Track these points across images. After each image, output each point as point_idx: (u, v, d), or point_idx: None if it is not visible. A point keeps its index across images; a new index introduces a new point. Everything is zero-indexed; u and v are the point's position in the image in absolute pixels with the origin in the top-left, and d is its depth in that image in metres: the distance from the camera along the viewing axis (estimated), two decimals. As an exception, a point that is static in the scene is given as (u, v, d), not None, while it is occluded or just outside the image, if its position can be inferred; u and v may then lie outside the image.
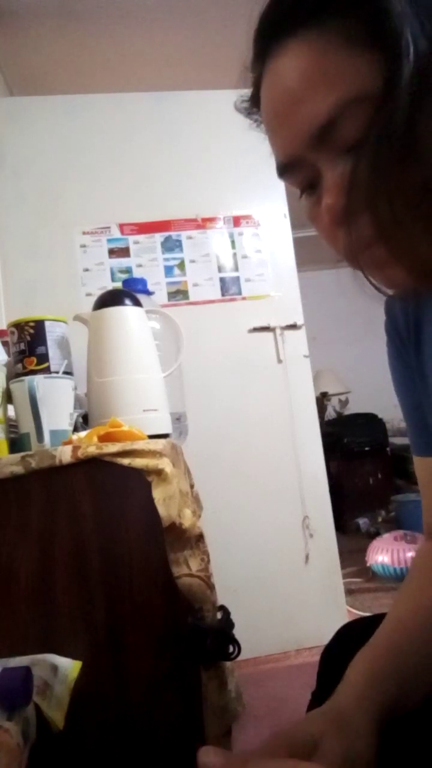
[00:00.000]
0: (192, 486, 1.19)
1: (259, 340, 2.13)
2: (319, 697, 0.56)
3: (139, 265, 2.12)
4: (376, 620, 0.59)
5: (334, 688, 0.51)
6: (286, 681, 1.79)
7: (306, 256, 2.98)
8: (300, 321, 2.15)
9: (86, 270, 2.09)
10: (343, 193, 0.43)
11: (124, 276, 2.06)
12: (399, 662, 0.51)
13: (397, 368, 0.66)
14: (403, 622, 0.56)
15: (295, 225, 2.27)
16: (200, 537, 0.94)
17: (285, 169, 0.49)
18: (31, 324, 1.15)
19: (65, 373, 1.12)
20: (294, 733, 0.45)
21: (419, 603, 0.58)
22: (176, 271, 2.14)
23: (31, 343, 1.14)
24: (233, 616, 0.93)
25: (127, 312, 1.17)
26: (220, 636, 0.85)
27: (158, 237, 2.14)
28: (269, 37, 0.45)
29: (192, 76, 2.54)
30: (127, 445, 0.85)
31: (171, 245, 2.14)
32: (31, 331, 1.15)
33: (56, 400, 1.01)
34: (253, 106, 0.53)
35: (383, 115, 0.39)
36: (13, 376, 1.09)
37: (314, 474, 2.11)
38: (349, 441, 3.96)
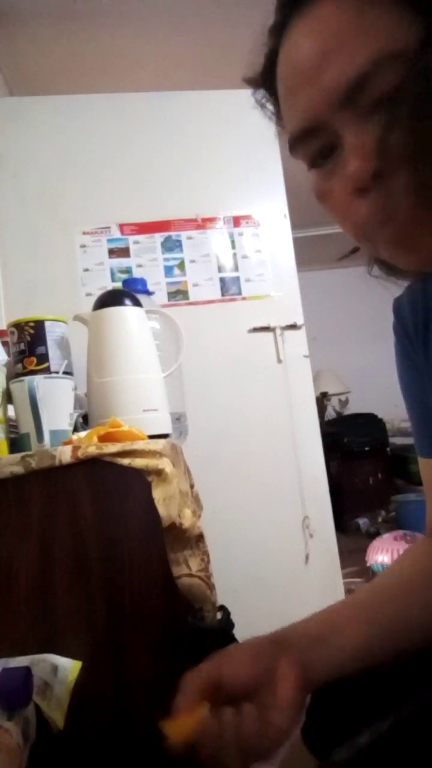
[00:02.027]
0: (192, 486, 1.19)
1: (259, 340, 2.13)
2: (320, 699, 0.56)
3: (139, 265, 2.12)
4: None
5: (335, 690, 0.51)
6: (286, 681, 1.79)
7: (306, 256, 2.98)
8: (300, 321, 2.15)
9: (86, 270, 2.09)
10: (373, 156, 0.39)
11: (124, 276, 2.06)
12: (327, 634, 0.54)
13: (404, 369, 0.66)
14: (349, 605, 0.59)
15: (295, 225, 2.27)
16: (200, 537, 0.94)
17: (302, 136, 0.45)
18: (31, 324, 1.15)
19: (65, 373, 1.12)
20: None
21: (398, 574, 0.61)
22: (176, 271, 2.14)
23: (31, 343, 1.14)
24: (233, 616, 0.93)
25: (127, 312, 1.17)
26: (220, 636, 0.85)
27: (158, 237, 2.14)
28: None
29: (192, 76, 2.53)
30: (127, 445, 0.85)
31: (171, 245, 2.14)
32: (31, 331, 1.15)
33: (56, 400, 1.01)
34: (264, 79, 0.49)
35: (421, 71, 0.36)
36: (13, 376, 1.09)
37: (314, 474, 2.11)
38: (349, 441, 3.96)
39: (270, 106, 0.50)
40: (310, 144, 0.45)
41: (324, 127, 0.43)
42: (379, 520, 3.45)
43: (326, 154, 0.44)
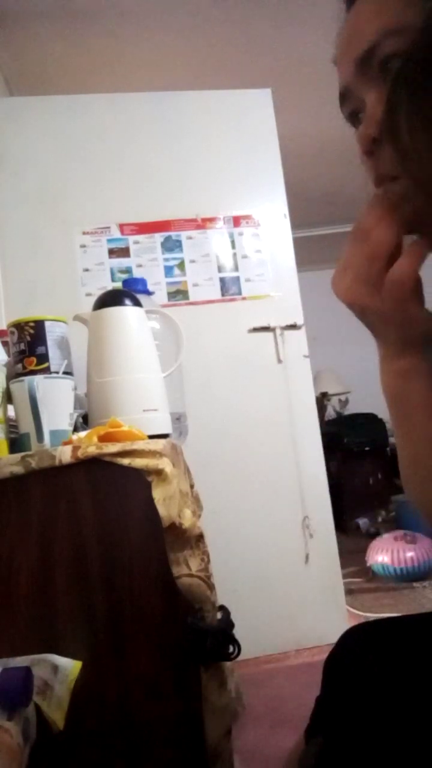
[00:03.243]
0: (192, 486, 1.19)
1: (259, 340, 2.13)
2: (324, 703, 0.56)
3: (139, 265, 2.12)
4: (380, 625, 0.58)
5: (340, 695, 0.50)
6: (286, 681, 1.79)
7: (306, 256, 2.98)
8: (300, 321, 2.15)
9: (86, 270, 2.09)
10: (372, 123, 0.47)
11: (124, 276, 2.06)
12: None
13: None
14: None
15: (295, 225, 2.27)
16: (200, 537, 0.94)
17: (340, 100, 0.54)
18: (31, 324, 1.15)
19: (65, 373, 1.12)
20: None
21: None
22: (176, 271, 2.14)
23: (31, 343, 1.14)
24: (233, 616, 0.93)
25: (127, 312, 1.17)
26: (220, 636, 0.85)
27: (158, 237, 2.14)
28: None
29: (192, 76, 2.54)
30: (127, 445, 0.85)
31: (171, 245, 2.14)
32: (31, 331, 1.15)
33: (56, 400, 1.01)
34: None
35: (413, 46, 0.43)
36: (13, 376, 1.09)
37: (314, 474, 2.11)
38: (349, 441, 3.96)
39: None
40: (345, 108, 0.54)
41: (352, 93, 0.52)
42: (379, 520, 3.44)
43: (358, 115, 0.53)
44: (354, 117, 0.53)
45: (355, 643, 0.60)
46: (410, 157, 0.42)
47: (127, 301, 1.18)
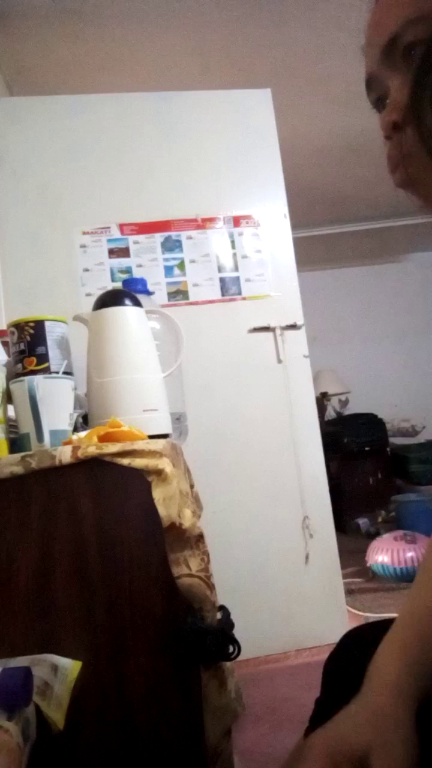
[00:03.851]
0: (192, 486, 1.19)
1: (259, 340, 2.13)
2: (324, 705, 0.56)
3: (139, 266, 2.12)
4: (380, 626, 0.58)
5: (340, 697, 0.50)
6: (286, 681, 1.79)
7: (306, 256, 2.98)
8: (300, 321, 2.15)
9: (86, 270, 2.09)
10: (394, 110, 0.49)
11: (124, 276, 2.06)
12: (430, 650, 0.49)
13: None
14: (430, 607, 0.53)
15: (295, 225, 2.27)
16: (200, 537, 0.94)
17: (367, 86, 0.56)
18: (31, 324, 1.15)
19: (65, 373, 1.12)
20: (335, 746, 0.43)
21: None
22: (176, 271, 2.14)
23: (31, 343, 1.14)
24: (233, 616, 0.93)
25: (127, 312, 1.17)
26: (220, 636, 0.85)
27: (158, 237, 2.14)
28: None
29: (192, 76, 2.54)
30: (127, 445, 0.85)
31: (171, 245, 2.14)
32: (31, 331, 1.15)
33: (56, 400, 1.01)
34: None
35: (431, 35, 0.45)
36: (13, 376, 1.09)
37: (314, 474, 2.11)
38: (349, 441, 3.96)
39: None
40: (371, 95, 0.56)
41: (377, 80, 0.53)
42: (379, 520, 3.44)
43: (382, 102, 0.54)
44: (380, 103, 0.55)
45: (356, 645, 0.60)
46: None
47: (127, 301, 1.18)
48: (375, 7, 0.54)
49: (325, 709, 0.54)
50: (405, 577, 2.50)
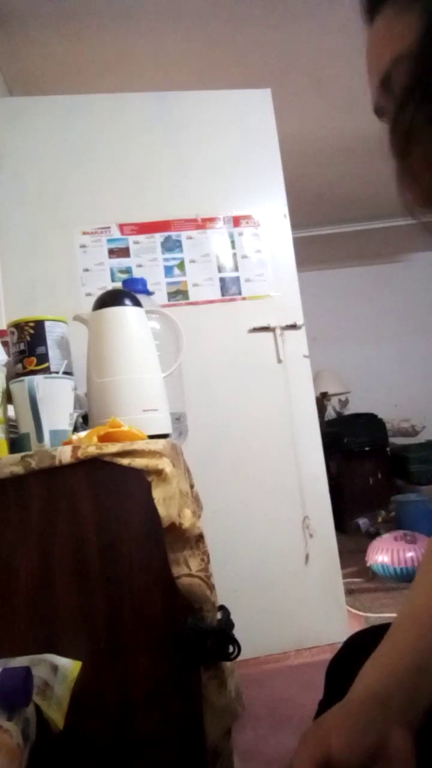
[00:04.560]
0: (192, 486, 1.18)
1: (259, 340, 2.13)
2: (326, 707, 0.56)
3: (139, 266, 2.12)
4: (384, 630, 0.58)
5: (341, 699, 0.50)
6: (286, 681, 1.79)
7: (306, 256, 2.98)
8: (300, 321, 2.15)
9: (86, 270, 2.09)
10: (402, 134, 0.50)
11: (124, 276, 2.06)
12: (421, 664, 0.49)
13: None
14: (419, 618, 0.54)
15: (295, 225, 2.27)
16: (200, 537, 0.94)
17: (377, 114, 0.56)
18: (31, 324, 1.15)
19: (65, 373, 1.12)
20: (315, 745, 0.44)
21: None
22: (176, 271, 2.14)
23: (31, 343, 1.14)
24: (233, 616, 0.93)
25: (127, 312, 1.17)
26: (220, 636, 0.85)
27: (158, 237, 2.14)
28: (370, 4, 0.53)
29: (192, 76, 2.54)
30: (127, 445, 0.85)
31: (171, 245, 2.14)
32: (31, 331, 1.15)
33: (56, 400, 1.01)
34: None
35: (414, 70, 0.45)
36: (13, 376, 1.09)
37: (314, 474, 2.11)
38: (349, 441, 3.96)
39: None
40: (382, 120, 0.55)
41: (384, 110, 0.53)
42: (379, 520, 3.44)
43: None
44: None
45: (359, 648, 0.60)
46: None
47: (127, 301, 1.18)
48: (369, 36, 0.54)
49: (326, 711, 0.54)
50: (405, 577, 2.50)
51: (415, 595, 0.56)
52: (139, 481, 0.84)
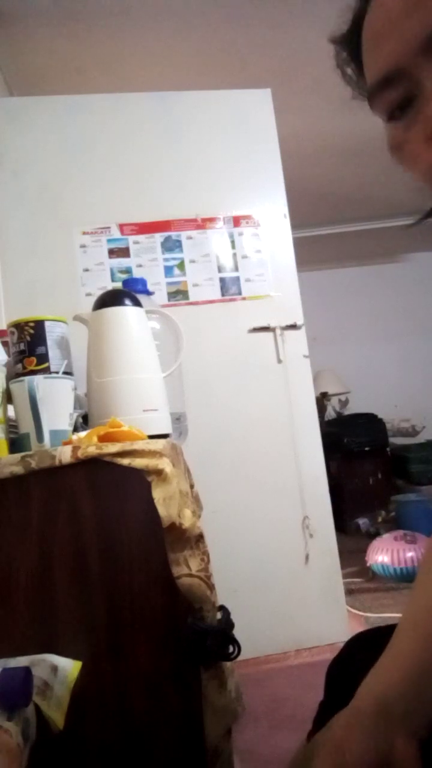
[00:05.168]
0: (192, 486, 1.18)
1: (259, 340, 2.13)
2: (327, 708, 0.56)
3: (139, 266, 2.12)
4: (387, 631, 0.58)
5: (342, 700, 0.50)
6: (286, 681, 1.79)
7: (306, 256, 2.98)
8: (300, 321, 2.15)
9: (86, 270, 2.09)
10: None
11: (124, 276, 2.06)
12: (423, 671, 0.49)
13: None
14: (420, 624, 0.53)
15: (295, 225, 2.27)
16: (200, 537, 0.94)
17: (384, 84, 0.45)
18: (31, 324, 1.15)
19: (65, 373, 1.12)
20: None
21: None
22: (176, 271, 2.14)
23: (31, 343, 1.14)
24: (233, 616, 0.93)
25: (127, 312, 1.17)
26: (220, 636, 0.85)
27: (158, 237, 2.14)
28: None
29: (192, 76, 2.54)
30: (127, 445, 0.85)
31: (171, 245, 2.14)
32: (31, 331, 1.15)
33: (56, 400, 1.01)
34: (348, 40, 0.51)
35: None
36: (13, 376, 1.09)
37: (314, 474, 2.11)
38: (349, 441, 3.96)
39: (350, 69, 0.52)
40: (389, 94, 0.46)
41: (405, 75, 0.44)
42: (379, 520, 3.44)
43: (404, 105, 0.45)
44: (404, 103, 0.46)
45: (361, 649, 0.60)
46: None
47: (127, 301, 1.18)
48: None
49: (327, 712, 0.54)
50: (405, 577, 2.50)
51: (416, 600, 0.55)
52: (139, 481, 0.84)
